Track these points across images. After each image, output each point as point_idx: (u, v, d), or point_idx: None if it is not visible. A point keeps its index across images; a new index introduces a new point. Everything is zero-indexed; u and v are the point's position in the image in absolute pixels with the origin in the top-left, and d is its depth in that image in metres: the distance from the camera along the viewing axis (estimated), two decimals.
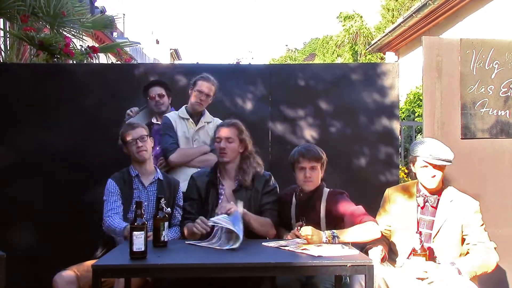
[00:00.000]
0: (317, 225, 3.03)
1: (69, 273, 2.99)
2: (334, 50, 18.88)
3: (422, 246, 2.85)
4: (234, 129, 3.29)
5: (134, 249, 2.45)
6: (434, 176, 3.04)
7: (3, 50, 6.04)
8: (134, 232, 2.46)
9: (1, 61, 5.81)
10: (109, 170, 3.82)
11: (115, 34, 19.29)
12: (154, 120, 4.15)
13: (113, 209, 3.29)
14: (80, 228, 4.19)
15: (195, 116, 4.06)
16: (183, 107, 4.08)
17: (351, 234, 2.87)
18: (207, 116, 4.13)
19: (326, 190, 3.24)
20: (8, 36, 6.27)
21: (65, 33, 6.09)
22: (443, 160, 3.00)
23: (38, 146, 4.45)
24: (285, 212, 3.27)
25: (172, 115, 4.05)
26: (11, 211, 4.40)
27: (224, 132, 3.28)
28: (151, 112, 4.20)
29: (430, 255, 2.96)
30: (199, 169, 3.68)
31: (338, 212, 3.11)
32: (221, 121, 4.04)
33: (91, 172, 4.32)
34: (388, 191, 3.32)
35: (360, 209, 3.06)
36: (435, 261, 3.00)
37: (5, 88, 4.51)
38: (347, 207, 3.10)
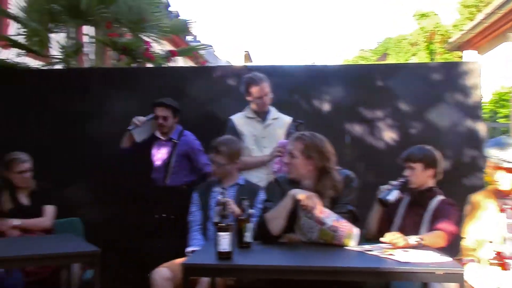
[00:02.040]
0: (420, 218, 3.12)
1: (165, 270, 3.11)
2: (409, 49, 18.35)
3: (497, 254, 2.68)
4: (299, 143, 2.98)
5: (220, 250, 2.48)
6: (502, 177, 2.89)
7: (89, 56, 6.36)
8: (220, 233, 2.49)
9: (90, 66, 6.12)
10: None
11: (188, 37, 19.79)
12: (157, 134, 4.24)
13: (194, 221, 3.54)
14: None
15: (261, 114, 4.06)
16: (248, 106, 4.08)
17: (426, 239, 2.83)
18: (273, 112, 4.10)
19: (440, 197, 3.22)
20: (93, 42, 6.59)
21: (144, 38, 6.32)
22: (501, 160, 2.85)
23: None
24: (391, 210, 3.23)
25: (237, 117, 4.08)
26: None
27: (289, 145, 3.05)
28: (156, 125, 4.24)
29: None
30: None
31: (438, 218, 3.06)
32: (288, 117, 4.09)
33: None
34: (473, 197, 3.16)
35: (447, 227, 2.98)
36: None
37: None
38: (446, 219, 3.03)
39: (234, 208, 3.18)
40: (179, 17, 14.54)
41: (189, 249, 3.39)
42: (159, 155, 4.22)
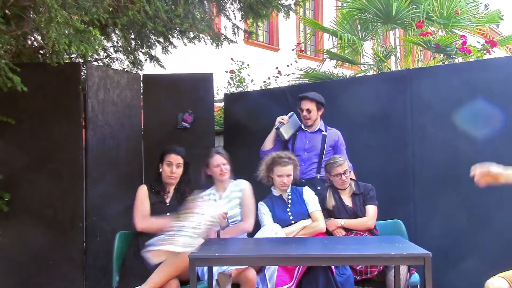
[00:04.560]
0: None
1: (503, 281, 2.84)
2: None
3: None
4: None
5: None
6: None
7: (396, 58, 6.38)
8: None
9: (399, 68, 6.14)
10: None
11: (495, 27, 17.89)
12: (303, 127, 4.34)
13: None
14: None
15: None
16: None
17: None
18: None
19: None
20: (400, 44, 6.60)
21: (457, 32, 6.01)
22: None
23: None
24: None
25: None
26: None
27: None
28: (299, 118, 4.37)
29: None
30: None
31: None
32: None
33: None
34: None
35: None
36: None
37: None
38: None
39: None
40: (487, 7, 13.42)
41: None
42: (309, 145, 4.28)
